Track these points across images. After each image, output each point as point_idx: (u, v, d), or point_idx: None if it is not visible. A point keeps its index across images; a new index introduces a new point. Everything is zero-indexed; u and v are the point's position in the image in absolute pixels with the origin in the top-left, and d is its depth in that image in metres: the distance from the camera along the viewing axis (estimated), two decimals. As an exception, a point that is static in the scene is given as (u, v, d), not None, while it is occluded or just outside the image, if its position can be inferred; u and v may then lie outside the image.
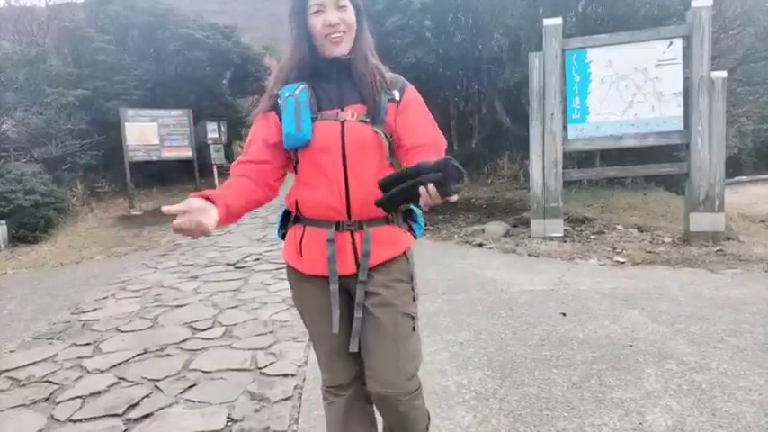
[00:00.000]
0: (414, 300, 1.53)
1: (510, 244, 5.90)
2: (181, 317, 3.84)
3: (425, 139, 1.44)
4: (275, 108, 1.46)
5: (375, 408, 1.61)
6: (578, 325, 3.32)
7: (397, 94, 1.47)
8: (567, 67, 5.92)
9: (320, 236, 1.44)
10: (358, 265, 1.44)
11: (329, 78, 1.46)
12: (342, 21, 1.40)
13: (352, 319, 1.49)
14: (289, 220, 1.55)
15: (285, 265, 1.59)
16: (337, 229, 1.43)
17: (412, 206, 1.48)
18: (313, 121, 1.41)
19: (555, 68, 5.88)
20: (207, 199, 1.27)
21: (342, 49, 1.42)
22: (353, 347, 1.47)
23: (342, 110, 1.43)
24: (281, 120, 1.43)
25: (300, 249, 1.49)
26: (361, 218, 1.43)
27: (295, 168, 1.50)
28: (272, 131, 1.46)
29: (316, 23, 1.39)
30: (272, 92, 1.48)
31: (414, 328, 1.52)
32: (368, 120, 1.42)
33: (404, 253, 1.51)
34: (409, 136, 1.44)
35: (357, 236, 1.44)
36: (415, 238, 1.56)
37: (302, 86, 1.42)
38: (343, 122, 1.42)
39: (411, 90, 1.51)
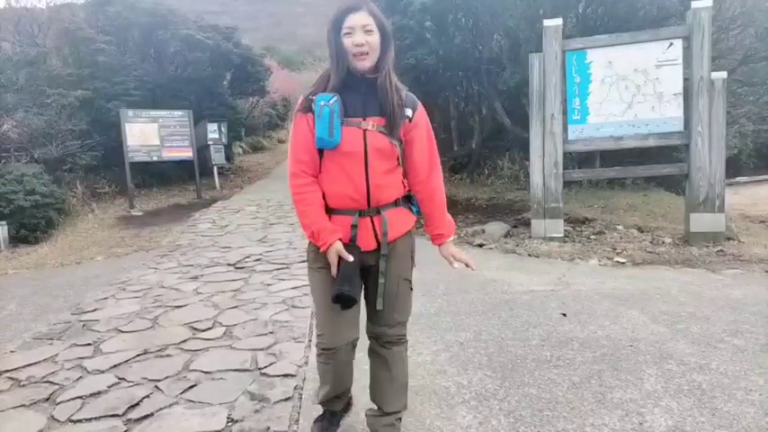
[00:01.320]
0: (412, 268, 1.96)
1: (510, 244, 5.90)
2: (181, 317, 3.84)
3: (423, 157, 1.87)
4: (311, 110, 1.75)
5: (369, 362, 2.02)
6: (578, 325, 3.32)
7: (410, 112, 1.81)
8: (567, 67, 5.92)
9: (343, 221, 1.81)
10: (377, 242, 1.83)
11: (356, 91, 1.76)
12: (367, 43, 1.70)
13: (363, 287, 1.91)
14: None
15: (307, 245, 1.94)
16: (360, 215, 1.80)
17: (412, 194, 1.95)
18: (341, 126, 1.72)
19: (555, 69, 5.88)
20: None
21: (366, 65, 1.73)
22: (380, 305, 1.87)
23: (364, 119, 1.75)
24: (314, 121, 1.73)
25: None
26: (378, 204, 1.81)
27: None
28: (312, 133, 1.74)
29: (347, 43, 1.71)
30: (309, 95, 1.78)
31: (411, 288, 1.97)
32: (386, 131, 1.76)
33: (410, 230, 1.94)
34: (413, 151, 1.85)
35: (376, 220, 1.82)
36: (415, 216, 1.98)
37: (335, 98, 1.72)
38: (365, 131, 1.74)
39: (421, 110, 1.86)
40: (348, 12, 1.70)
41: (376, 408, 2.01)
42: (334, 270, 1.77)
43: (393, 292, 1.88)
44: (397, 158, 1.82)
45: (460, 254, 1.93)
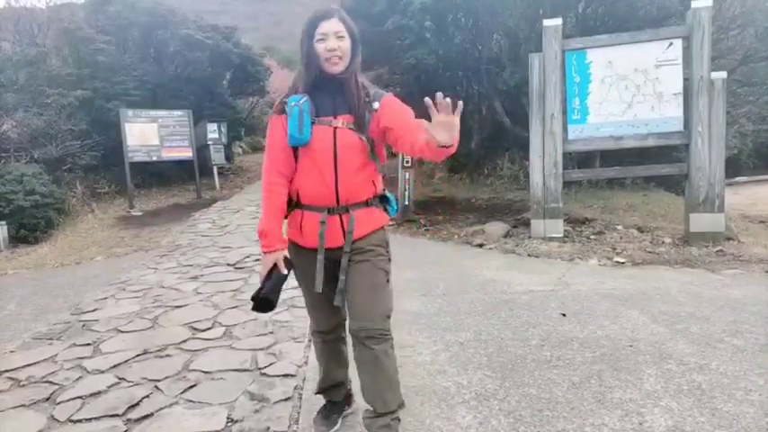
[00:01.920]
0: (388, 261, 1.98)
1: (510, 244, 5.90)
2: (181, 317, 3.84)
3: (408, 125, 1.82)
4: (284, 111, 1.85)
5: (356, 363, 1.99)
6: (578, 325, 3.32)
7: (376, 105, 1.88)
8: (567, 67, 5.91)
9: (316, 218, 1.88)
10: (344, 239, 1.88)
11: (326, 91, 1.86)
12: (339, 48, 1.80)
13: (337, 282, 1.92)
14: (290, 205, 1.95)
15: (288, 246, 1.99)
16: (329, 212, 1.87)
17: (387, 194, 2.01)
18: (312, 125, 1.82)
19: (555, 69, 5.88)
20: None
21: (338, 69, 1.82)
22: (338, 302, 1.91)
23: (335, 117, 1.85)
24: (287, 121, 1.83)
25: (301, 228, 1.92)
26: (347, 203, 1.87)
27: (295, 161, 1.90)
28: (286, 133, 1.83)
29: (320, 48, 1.81)
30: (283, 98, 1.89)
31: (387, 281, 1.96)
32: (355, 128, 1.84)
33: (382, 227, 1.97)
34: (396, 126, 1.83)
35: (344, 218, 1.88)
36: (390, 216, 2.02)
37: (305, 98, 1.83)
38: (335, 128, 1.83)
39: (387, 97, 1.91)
40: (321, 19, 1.80)
41: (371, 409, 1.99)
42: (264, 271, 1.89)
43: (368, 284, 1.89)
44: (369, 154, 1.87)
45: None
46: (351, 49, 1.84)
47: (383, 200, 1.99)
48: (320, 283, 1.90)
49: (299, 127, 1.79)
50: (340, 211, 1.87)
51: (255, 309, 1.92)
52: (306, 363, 2.91)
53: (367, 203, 1.91)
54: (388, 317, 1.96)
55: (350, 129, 1.83)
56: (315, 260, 1.91)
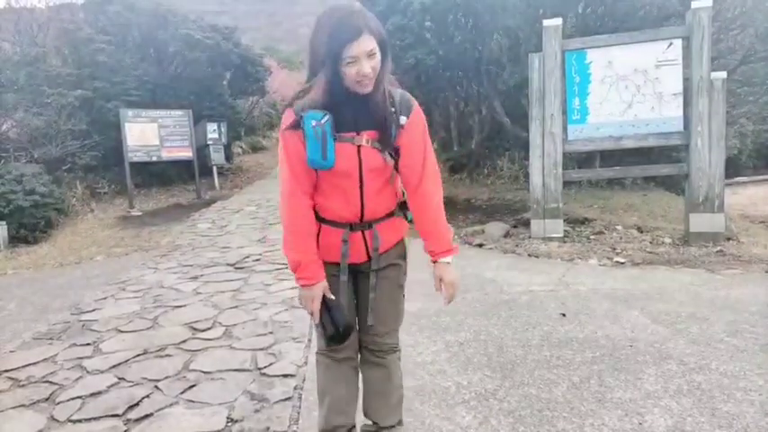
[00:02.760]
0: (404, 274, 1.91)
1: (510, 244, 5.90)
2: (181, 317, 3.84)
3: (414, 162, 1.71)
4: (300, 127, 1.59)
5: (362, 374, 1.94)
6: (578, 325, 3.32)
7: (404, 120, 1.66)
8: (566, 67, 5.92)
9: (334, 233, 1.74)
10: (368, 254, 1.77)
11: (348, 105, 1.60)
12: (372, 68, 1.53)
13: (355, 296, 1.86)
14: None
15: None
16: (351, 229, 1.73)
17: (406, 200, 1.84)
18: (333, 141, 1.59)
19: (555, 69, 5.88)
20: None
21: (369, 89, 1.57)
22: (371, 321, 1.82)
23: (358, 134, 1.63)
24: (304, 138, 1.59)
25: (318, 241, 1.75)
26: (371, 219, 1.74)
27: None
28: (305, 151, 1.60)
29: (349, 72, 1.52)
30: (297, 111, 1.60)
31: (403, 296, 1.91)
32: (380, 147, 1.65)
33: (402, 237, 1.88)
34: (403, 155, 1.70)
35: (367, 233, 1.75)
36: (410, 222, 1.88)
37: (327, 117, 1.56)
38: (359, 147, 1.63)
39: (416, 115, 1.70)
40: (349, 39, 1.48)
41: (371, 423, 1.95)
42: (314, 306, 1.70)
43: (386, 300, 1.83)
44: (392, 173, 1.73)
45: (448, 286, 1.79)
46: (381, 60, 1.57)
47: (402, 206, 1.86)
48: (350, 308, 1.80)
49: (323, 152, 1.56)
50: (362, 228, 1.74)
51: (334, 342, 1.77)
52: (305, 363, 2.91)
53: (389, 214, 1.79)
54: (397, 330, 1.94)
55: (374, 148, 1.64)
56: (331, 274, 1.77)
